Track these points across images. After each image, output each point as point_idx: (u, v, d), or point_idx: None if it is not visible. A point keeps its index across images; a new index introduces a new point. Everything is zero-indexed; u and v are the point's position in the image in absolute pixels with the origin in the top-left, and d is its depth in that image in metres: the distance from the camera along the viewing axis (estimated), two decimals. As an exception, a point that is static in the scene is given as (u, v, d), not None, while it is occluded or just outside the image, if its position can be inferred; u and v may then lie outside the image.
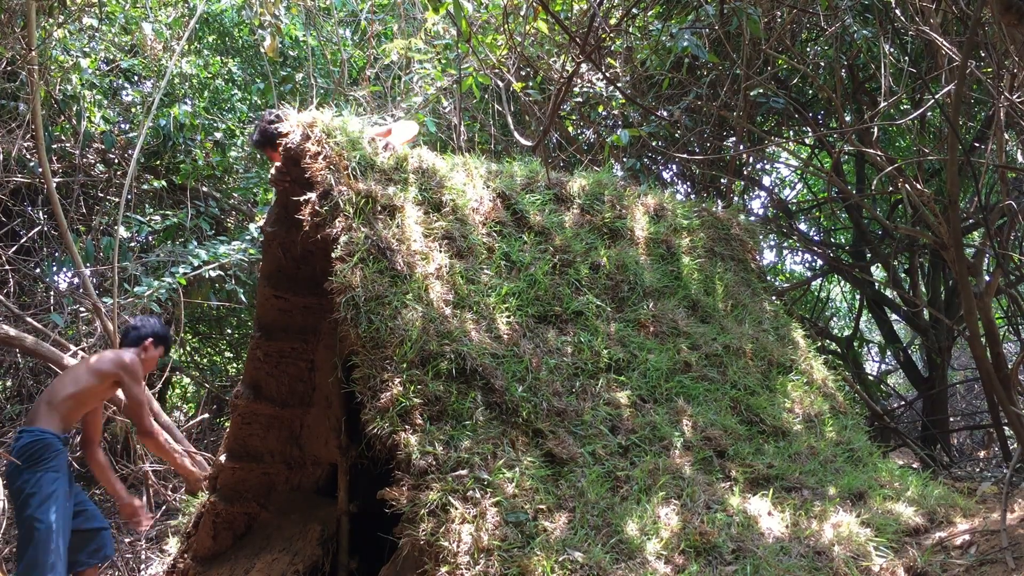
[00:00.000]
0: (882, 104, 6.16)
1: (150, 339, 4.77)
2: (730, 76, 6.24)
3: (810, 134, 7.61)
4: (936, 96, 4.90)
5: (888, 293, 8.51)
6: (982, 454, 8.24)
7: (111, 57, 7.89)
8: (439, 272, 3.91)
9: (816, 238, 9.11)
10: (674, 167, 8.16)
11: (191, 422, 8.19)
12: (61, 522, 4.20)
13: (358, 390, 3.55)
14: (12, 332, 5.35)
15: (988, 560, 3.24)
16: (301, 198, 3.89)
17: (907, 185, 5.22)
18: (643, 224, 4.97)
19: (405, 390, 3.43)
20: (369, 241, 3.80)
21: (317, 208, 3.82)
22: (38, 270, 7.51)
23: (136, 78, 8.29)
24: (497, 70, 6.58)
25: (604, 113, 7.02)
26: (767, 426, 4.23)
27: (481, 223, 4.28)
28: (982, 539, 3.47)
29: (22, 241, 7.21)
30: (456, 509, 3.14)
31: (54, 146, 7.51)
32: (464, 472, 3.28)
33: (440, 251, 4.01)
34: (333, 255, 3.73)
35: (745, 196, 8.23)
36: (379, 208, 3.96)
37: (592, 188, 4.98)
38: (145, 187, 7.61)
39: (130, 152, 7.27)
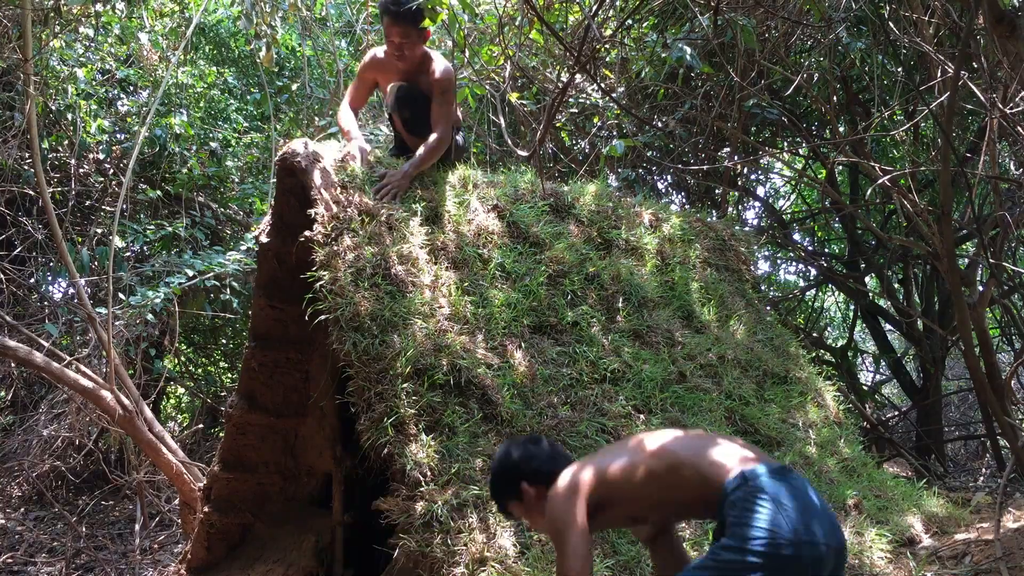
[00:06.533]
0: (876, 115, 6.20)
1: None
2: (725, 87, 6.26)
3: (804, 145, 7.63)
4: (929, 107, 4.92)
5: (882, 303, 8.53)
6: (976, 464, 8.25)
7: (107, 67, 7.89)
8: (435, 284, 3.92)
9: (810, 248, 9.12)
10: (669, 177, 8.18)
11: (185, 432, 8.18)
12: None
13: (353, 401, 3.55)
14: (11, 344, 5.34)
15: (982, 570, 3.26)
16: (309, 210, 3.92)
17: (901, 196, 5.25)
18: (638, 234, 4.98)
19: (400, 401, 3.42)
20: (362, 253, 3.81)
21: (319, 224, 3.83)
22: (32, 280, 7.49)
23: (132, 88, 8.30)
24: (492, 80, 6.59)
25: (599, 124, 7.03)
26: (762, 436, 4.23)
27: (476, 234, 4.28)
28: (976, 549, 3.48)
29: (17, 251, 7.20)
30: (451, 520, 3.14)
31: (50, 156, 7.51)
32: (459, 483, 3.28)
33: (435, 263, 4.01)
34: (327, 271, 3.74)
35: (739, 206, 8.25)
36: (376, 222, 3.96)
37: (587, 199, 4.99)
38: (140, 197, 7.60)
39: (125, 162, 7.27)
